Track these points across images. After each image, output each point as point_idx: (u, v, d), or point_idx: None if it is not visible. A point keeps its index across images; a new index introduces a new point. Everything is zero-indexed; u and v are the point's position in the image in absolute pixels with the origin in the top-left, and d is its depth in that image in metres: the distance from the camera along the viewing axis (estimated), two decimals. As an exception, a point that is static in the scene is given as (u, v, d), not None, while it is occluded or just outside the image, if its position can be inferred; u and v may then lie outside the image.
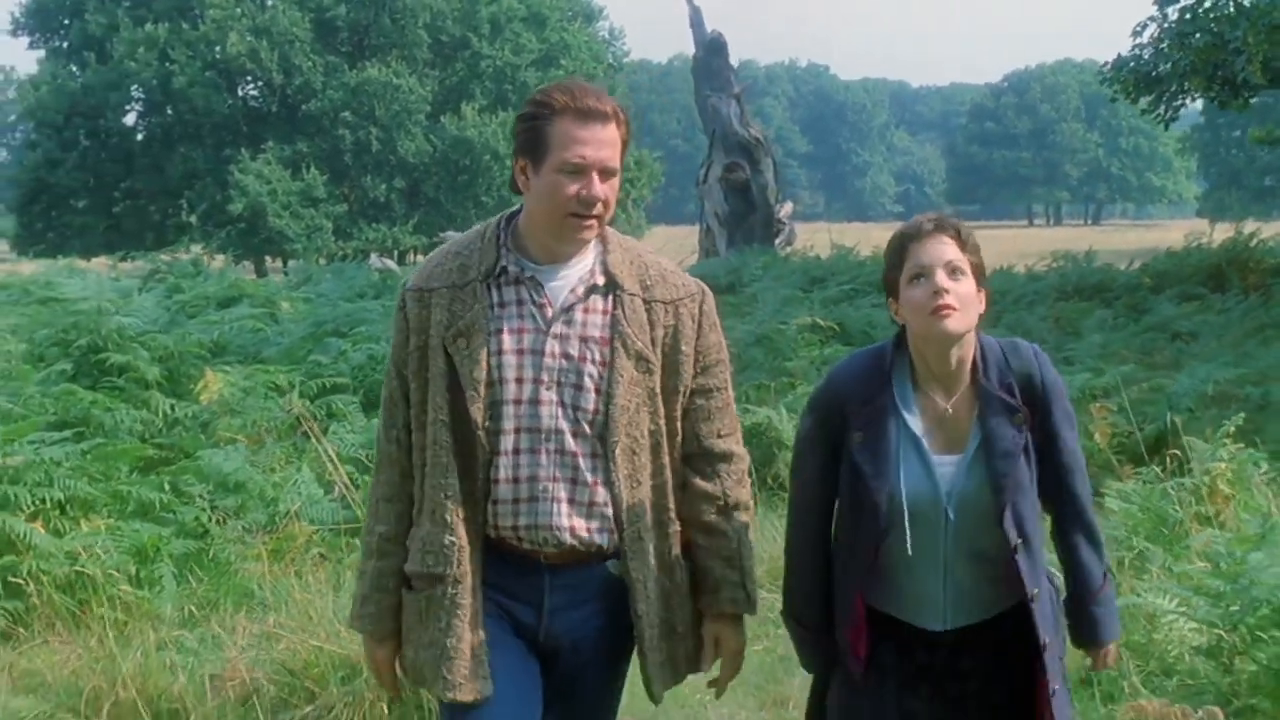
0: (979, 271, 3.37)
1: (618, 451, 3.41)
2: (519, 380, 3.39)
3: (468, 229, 3.77)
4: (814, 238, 28.67)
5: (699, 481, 3.56)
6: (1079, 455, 3.48)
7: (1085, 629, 3.51)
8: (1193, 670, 5.05)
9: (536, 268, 3.44)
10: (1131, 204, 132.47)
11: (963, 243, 3.36)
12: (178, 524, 7.22)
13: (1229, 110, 22.73)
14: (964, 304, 3.31)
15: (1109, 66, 22.29)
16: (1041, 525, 3.39)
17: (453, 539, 3.40)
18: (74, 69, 59.75)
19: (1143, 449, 8.27)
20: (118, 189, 58.49)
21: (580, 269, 3.45)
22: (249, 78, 57.76)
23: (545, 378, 3.39)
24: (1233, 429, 7.01)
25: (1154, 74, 20.97)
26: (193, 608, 6.69)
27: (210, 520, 7.51)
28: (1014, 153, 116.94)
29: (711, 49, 31.05)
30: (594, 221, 3.39)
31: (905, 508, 3.30)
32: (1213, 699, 4.81)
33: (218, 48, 56.13)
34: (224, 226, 54.00)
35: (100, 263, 42.16)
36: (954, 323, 3.31)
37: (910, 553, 3.32)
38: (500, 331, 3.40)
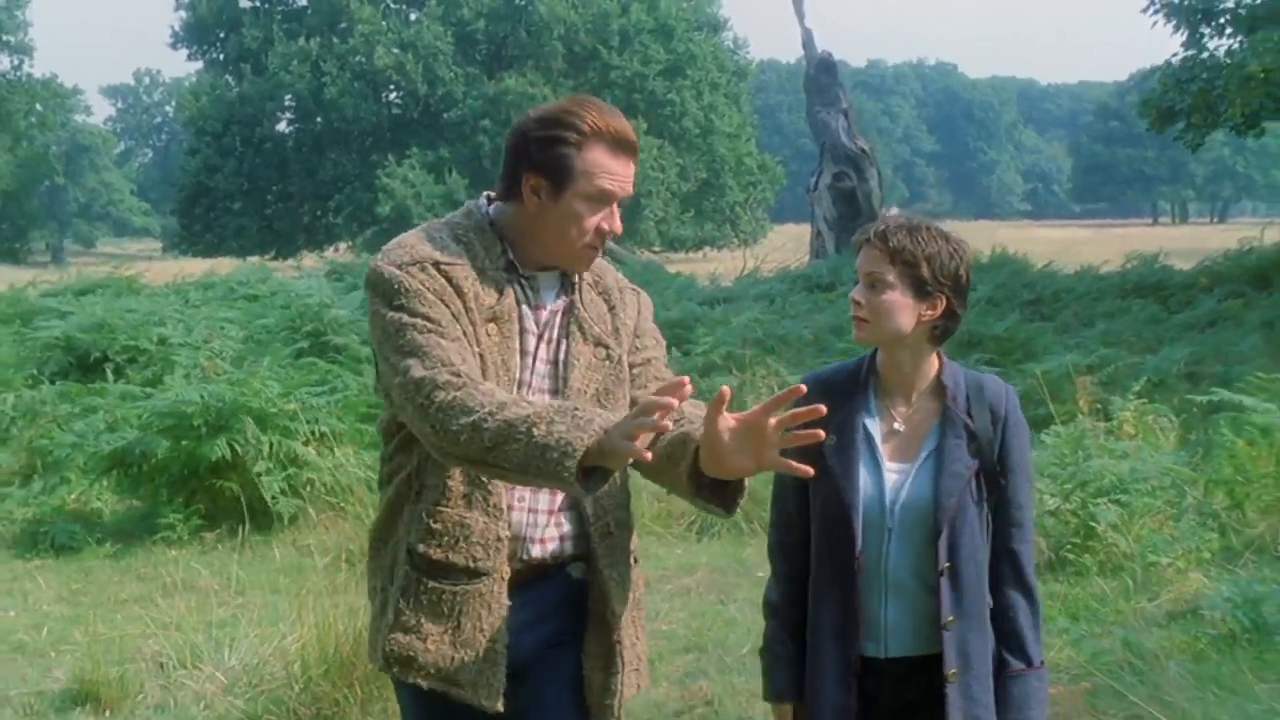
0: (917, 283, 3.26)
1: None
2: (520, 383, 3.17)
3: None
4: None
5: None
6: (1027, 512, 3.38)
7: (1012, 700, 3.35)
8: (1048, 527, 7.97)
9: (526, 270, 3.22)
10: (1261, 202, 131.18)
11: (891, 254, 3.25)
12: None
13: (1244, 138, 24.79)
14: (875, 316, 3.28)
15: (1140, 101, 24.46)
16: (983, 568, 3.32)
17: (507, 533, 3.15)
18: (230, 80, 63.38)
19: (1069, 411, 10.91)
20: (270, 192, 62.13)
21: (559, 272, 3.27)
22: (394, 87, 61.07)
23: (533, 382, 3.19)
24: (1138, 388, 9.83)
25: (1171, 109, 22.98)
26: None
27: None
28: (1139, 151, 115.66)
29: (821, 68, 33.62)
30: (601, 250, 3.22)
31: (860, 509, 3.28)
32: (1052, 542, 7.77)
33: (361, 58, 59.38)
34: (369, 227, 57.13)
35: (254, 261, 45.53)
36: (862, 333, 3.33)
37: (859, 561, 3.29)
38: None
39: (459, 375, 2.95)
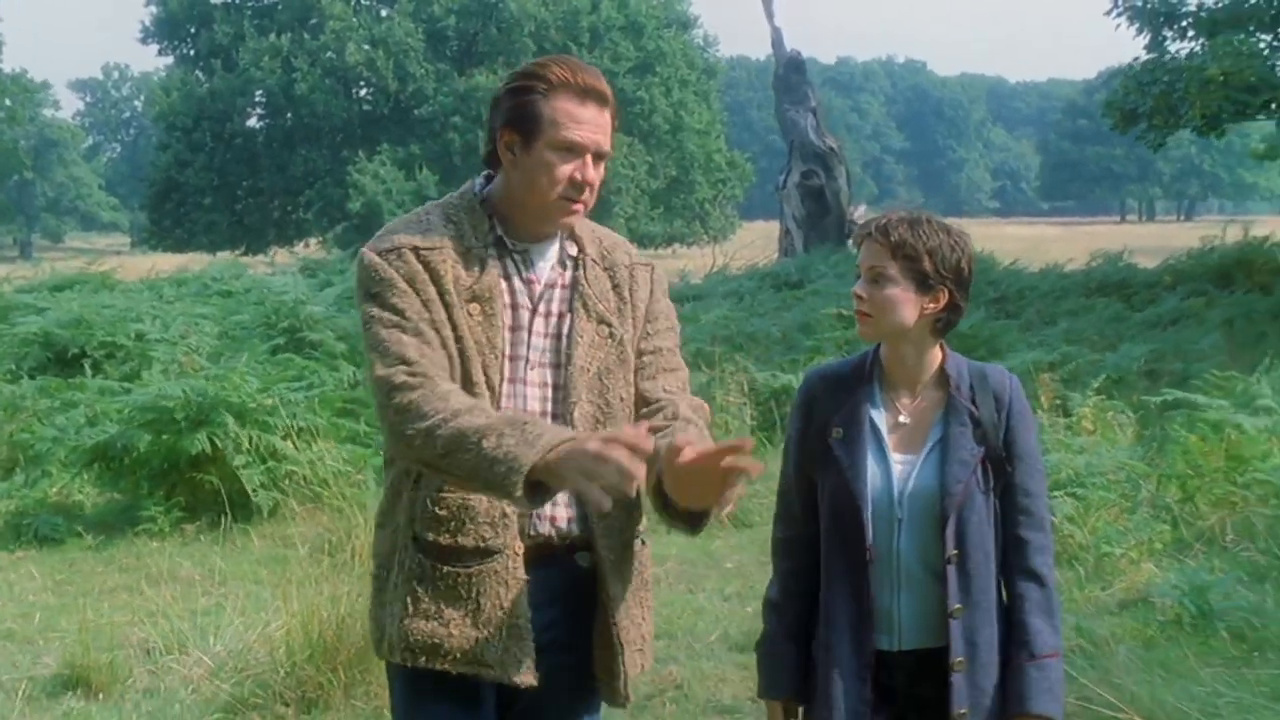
0: (919, 276, 3.29)
1: (576, 416, 3.17)
2: (512, 358, 3.17)
3: None
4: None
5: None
6: (1037, 500, 3.34)
7: (1013, 692, 3.29)
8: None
9: (519, 243, 3.23)
10: (1228, 200, 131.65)
11: (892, 248, 3.28)
12: (374, 446, 10.46)
13: (1206, 138, 25.13)
14: (878, 310, 3.29)
15: (1104, 103, 24.81)
16: (992, 558, 3.31)
17: (514, 509, 3.10)
18: (200, 75, 63.34)
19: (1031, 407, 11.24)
20: (241, 187, 61.95)
21: (557, 243, 3.27)
22: (364, 83, 61.09)
23: (532, 357, 3.19)
24: (1096, 385, 10.15)
25: (1134, 111, 23.23)
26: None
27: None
28: (1106, 149, 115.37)
29: (790, 66, 33.87)
30: (581, 205, 3.18)
31: (869, 501, 3.28)
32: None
33: (331, 54, 59.44)
34: (339, 223, 57.20)
35: (224, 256, 45.68)
36: (865, 327, 3.36)
37: (870, 552, 3.28)
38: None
39: (415, 375, 2.99)
